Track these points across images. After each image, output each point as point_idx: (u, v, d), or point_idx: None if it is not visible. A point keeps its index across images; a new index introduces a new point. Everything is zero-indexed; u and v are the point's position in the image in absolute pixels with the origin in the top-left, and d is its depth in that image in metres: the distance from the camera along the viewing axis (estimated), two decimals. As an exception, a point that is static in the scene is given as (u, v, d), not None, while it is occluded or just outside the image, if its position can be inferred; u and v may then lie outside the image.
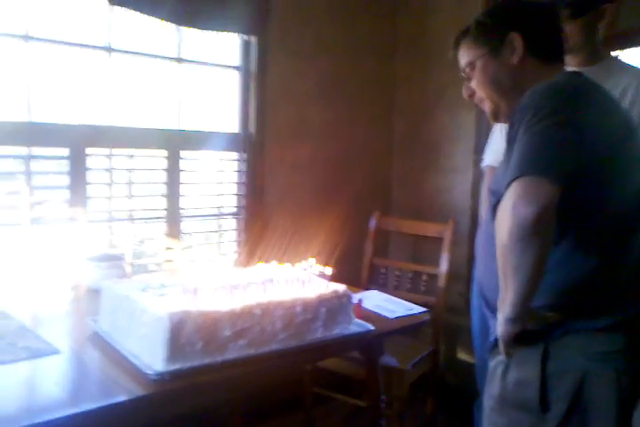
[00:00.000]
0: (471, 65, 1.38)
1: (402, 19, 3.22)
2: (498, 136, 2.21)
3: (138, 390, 1.27)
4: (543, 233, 1.08)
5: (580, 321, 1.19)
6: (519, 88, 1.31)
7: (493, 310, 1.28)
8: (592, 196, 1.17)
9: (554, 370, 1.19)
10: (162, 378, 1.31)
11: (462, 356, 3.00)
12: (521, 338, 1.20)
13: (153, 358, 1.35)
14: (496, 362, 1.30)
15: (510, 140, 1.20)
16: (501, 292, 1.17)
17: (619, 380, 1.17)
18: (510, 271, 1.11)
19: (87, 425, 1.20)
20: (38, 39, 2.06)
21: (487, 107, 1.40)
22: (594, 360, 1.17)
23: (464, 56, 1.41)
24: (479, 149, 2.86)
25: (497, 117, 1.41)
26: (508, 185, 1.10)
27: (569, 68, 1.75)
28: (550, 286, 1.17)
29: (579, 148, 1.13)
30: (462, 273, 2.95)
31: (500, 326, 1.20)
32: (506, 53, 1.34)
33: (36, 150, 2.11)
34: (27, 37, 2.03)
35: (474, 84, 1.40)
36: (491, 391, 1.30)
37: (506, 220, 1.09)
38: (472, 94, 1.43)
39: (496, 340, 1.24)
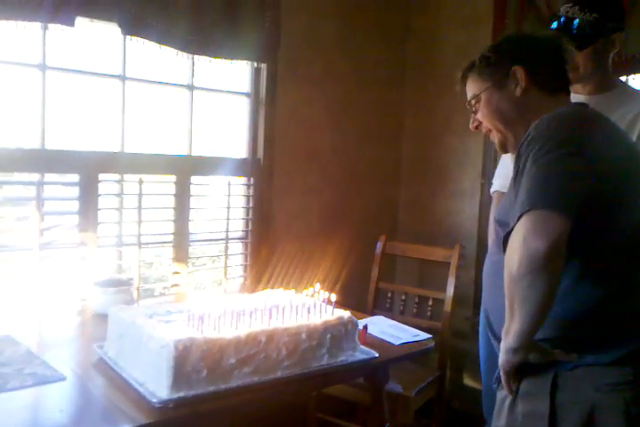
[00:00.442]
0: (476, 98, 1.42)
1: (410, 45, 3.27)
2: (507, 161, 2.18)
3: (141, 418, 1.28)
4: (553, 267, 1.09)
5: (587, 356, 1.18)
6: (525, 119, 1.35)
7: (498, 340, 1.28)
8: (599, 224, 1.18)
9: (563, 401, 1.18)
10: (165, 406, 1.31)
11: (468, 381, 2.98)
12: (526, 370, 1.20)
13: (157, 386, 1.36)
14: (504, 394, 1.29)
15: (518, 172, 1.22)
16: (507, 322, 1.18)
17: (628, 410, 1.16)
18: (518, 302, 1.12)
19: (90, 453, 1.21)
20: (53, 68, 2.11)
21: (495, 137, 1.44)
22: (603, 391, 1.17)
23: (470, 89, 1.45)
24: (487, 174, 2.89)
25: (505, 148, 1.44)
26: (519, 218, 1.11)
27: (580, 97, 1.79)
28: (556, 317, 1.17)
29: (587, 179, 1.14)
30: (468, 297, 2.95)
31: (501, 354, 1.21)
32: (510, 86, 1.37)
33: (48, 176, 2.14)
34: (42, 66, 2.08)
35: (480, 116, 1.43)
36: (498, 423, 1.30)
37: (516, 252, 1.10)
38: (478, 126, 1.46)
39: None
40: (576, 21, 1.76)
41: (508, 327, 1.17)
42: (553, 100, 1.36)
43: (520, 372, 1.22)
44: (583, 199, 1.12)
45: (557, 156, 1.15)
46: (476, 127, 1.47)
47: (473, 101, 1.44)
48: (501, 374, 1.23)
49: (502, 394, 1.30)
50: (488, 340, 2.03)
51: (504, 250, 1.17)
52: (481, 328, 2.17)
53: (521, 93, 1.36)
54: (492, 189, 2.30)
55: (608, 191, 1.18)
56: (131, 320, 1.53)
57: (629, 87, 1.97)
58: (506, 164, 2.22)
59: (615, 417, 1.16)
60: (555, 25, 1.80)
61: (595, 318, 1.20)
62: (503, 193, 2.18)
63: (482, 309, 2.15)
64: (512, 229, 1.14)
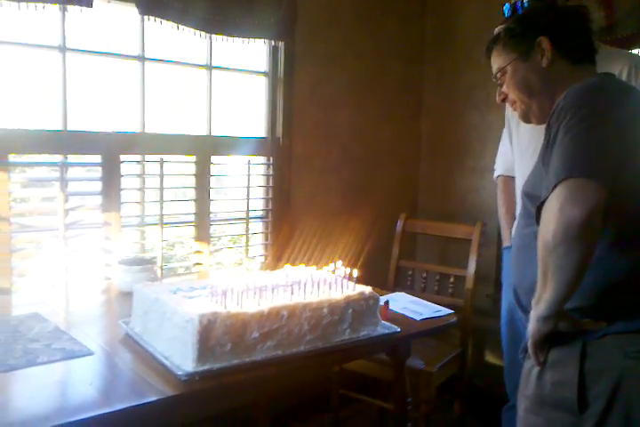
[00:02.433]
0: (502, 70, 1.42)
1: (429, 20, 3.23)
2: (507, 145, 2.18)
3: (168, 391, 1.30)
4: (589, 236, 1.09)
5: (616, 324, 1.19)
6: (550, 90, 1.35)
7: (526, 311, 1.29)
8: (631, 193, 1.19)
9: (591, 369, 1.19)
10: (191, 378, 1.34)
11: (490, 358, 2.99)
12: (554, 339, 1.21)
13: (183, 359, 1.39)
14: (530, 364, 1.30)
15: (548, 142, 1.21)
16: (538, 290, 1.18)
17: None
18: (551, 271, 1.13)
19: (119, 424, 1.24)
20: (73, 50, 2.13)
21: (518, 109, 1.44)
22: (632, 358, 1.17)
23: (495, 62, 1.44)
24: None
25: (527, 118, 1.44)
26: (554, 187, 1.11)
27: None
28: (586, 286, 1.17)
29: (619, 147, 1.14)
30: (490, 275, 2.94)
31: (531, 323, 1.21)
32: (535, 57, 1.36)
33: (71, 158, 2.17)
34: (62, 48, 2.10)
35: (505, 88, 1.43)
36: (526, 392, 1.31)
37: (551, 221, 1.10)
38: (504, 98, 1.46)
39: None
40: None
41: (539, 296, 1.18)
42: (579, 70, 1.35)
43: (548, 342, 1.23)
44: (616, 167, 1.13)
45: (590, 125, 1.15)
46: (503, 100, 1.46)
47: (499, 74, 1.43)
48: (530, 343, 1.23)
49: (529, 364, 1.30)
50: (511, 318, 2.04)
51: (537, 220, 1.17)
52: (503, 303, 2.17)
53: (547, 64, 1.35)
54: (495, 174, 2.28)
55: (639, 159, 1.19)
56: (155, 296, 1.55)
57: (607, 48, 1.88)
58: (506, 148, 2.19)
59: None
60: None
61: (625, 286, 1.20)
62: (507, 177, 2.18)
63: (504, 284, 2.16)
64: (545, 199, 1.14)
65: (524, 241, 1.35)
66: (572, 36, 1.37)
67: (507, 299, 2.10)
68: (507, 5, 1.45)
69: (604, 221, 1.12)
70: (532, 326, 1.21)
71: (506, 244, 2.14)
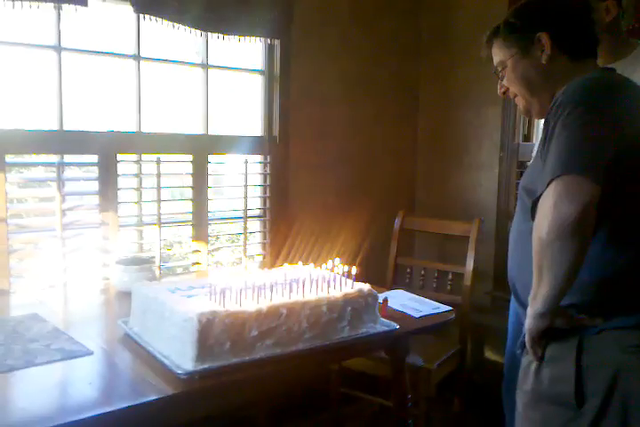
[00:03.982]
0: (502, 64, 1.42)
1: (425, 16, 3.22)
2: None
3: (168, 389, 1.30)
4: (583, 232, 1.09)
5: (613, 320, 1.19)
6: (550, 86, 1.35)
7: (525, 307, 1.29)
8: (627, 190, 1.19)
9: (589, 364, 1.19)
10: (191, 377, 1.34)
11: (489, 355, 3.00)
12: (551, 334, 1.21)
13: (182, 358, 1.38)
14: (528, 360, 1.30)
15: (546, 137, 1.21)
16: (534, 286, 1.19)
17: None
18: (546, 267, 1.13)
19: (119, 423, 1.24)
20: (69, 49, 2.12)
21: (520, 103, 1.44)
22: (629, 353, 1.18)
23: (496, 55, 1.44)
24: (505, 146, 2.86)
25: (529, 114, 1.45)
26: (549, 183, 1.12)
27: None
28: (582, 282, 1.17)
29: (615, 144, 1.14)
30: (488, 272, 2.95)
31: (528, 319, 1.22)
32: (535, 53, 1.36)
33: (67, 158, 2.16)
34: (58, 48, 2.09)
35: (506, 82, 1.43)
36: (524, 387, 1.31)
37: (546, 217, 1.11)
38: (505, 91, 1.46)
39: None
40: None
41: (535, 292, 1.18)
42: (579, 66, 1.35)
43: (545, 337, 1.23)
44: (612, 164, 1.13)
45: (586, 121, 1.15)
46: (504, 93, 1.47)
47: (499, 68, 1.43)
48: (527, 339, 1.24)
49: (527, 359, 1.31)
50: (516, 310, 2.05)
51: (532, 215, 1.17)
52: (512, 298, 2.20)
53: (546, 61, 1.35)
54: None
55: (635, 157, 1.19)
56: (154, 296, 1.55)
57: None
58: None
59: None
60: None
61: (621, 282, 1.21)
62: None
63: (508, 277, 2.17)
64: (541, 195, 1.14)
65: (521, 235, 1.36)
66: (573, 31, 1.36)
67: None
68: None
69: (600, 217, 1.12)
70: (528, 322, 1.22)
71: None
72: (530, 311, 1.21)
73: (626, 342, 1.18)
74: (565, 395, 1.20)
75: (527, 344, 1.25)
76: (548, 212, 1.10)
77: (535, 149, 2.26)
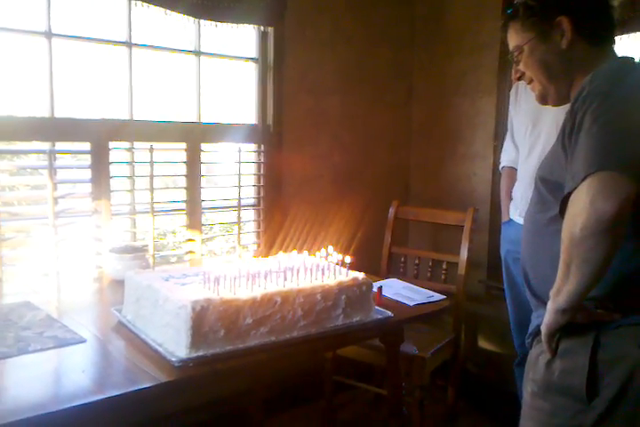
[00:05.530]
0: (519, 49, 1.36)
1: (419, 5, 3.20)
2: (509, 139, 2.45)
3: (162, 377, 1.30)
4: (617, 230, 1.07)
5: (631, 315, 1.17)
6: (569, 72, 1.31)
7: (538, 298, 1.28)
8: None
9: (605, 358, 1.18)
10: (185, 365, 1.34)
11: (483, 344, 3.00)
12: (568, 329, 1.20)
13: (176, 346, 1.38)
14: (538, 351, 1.28)
15: (573, 129, 1.17)
16: (558, 281, 1.16)
17: None
18: (576, 264, 1.11)
19: (113, 411, 1.24)
20: (60, 35, 2.09)
21: (536, 89, 1.39)
22: None
23: (512, 39, 1.39)
24: (499, 135, 2.85)
25: (545, 100, 1.40)
26: (584, 178, 1.08)
27: None
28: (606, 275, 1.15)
29: None
30: (482, 261, 2.95)
31: (548, 314, 1.19)
32: (554, 37, 1.31)
33: (59, 145, 2.15)
34: (48, 34, 2.06)
35: (522, 66, 1.38)
36: (533, 376, 1.29)
37: (580, 214, 1.08)
38: (521, 76, 1.41)
39: (538, 327, 1.24)
40: None
41: (559, 288, 1.16)
42: (599, 52, 1.31)
43: (559, 331, 1.21)
44: None
45: (618, 113, 1.12)
46: (519, 78, 1.41)
47: (516, 53, 1.38)
48: (544, 333, 1.22)
49: (537, 350, 1.29)
50: (507, 269, 2.32)
51: (561, 212, 1.15)
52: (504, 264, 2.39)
53: (566, 46, 1.30)
54: (500, 166, 2.53)
55: None
56: (147, 283, 1.55)
57: None
58: (508, 144, 2.46)
59: None
60: None
61: (638, 279, 1.19)
62: (510, 167, 2.46)
63: (502, 250, 2.40)
64: (570, 192, 1.11)
65: (536, 226, 1.33)
66: (594, 16, 1.31)
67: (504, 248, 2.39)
68: None
69: None
70: (548, 318, 1.19)
71: (505, 219, 2.43)
72: (551, 307, 1.18)
73: None
74: (576, 387, 1.19)
75: (544, 338, 1.22)
76: (583, 209, 1.07)
77: (509, 125, 2.44)
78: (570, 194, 1.12)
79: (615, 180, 1.06)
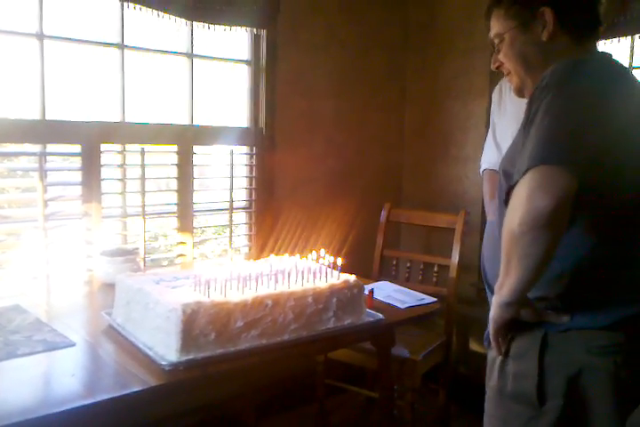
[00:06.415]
0: (500, 37, 1.33)
1: (412, 8, 3.20)
2: (491, 140, 2.30)
3: (152, 381, 1.30)
4: (556, 225, 1.05)
5: (580, 319, 1.16)
6: (547, 65, 1.24)
7: (492, 292, 1.26)
8: (604, 184, 1.13)
9: (551, 362, 1.17)
10: (175, 368, 1.33)
11: (474, 347, 3.01)
12: (516, 327, 1.19)
13: (166, 349, 1.38)
14: (495, 353, 1.27)
15: (528, 119, 1.15)
16: (501, 275, 1.15)
17: (617, 373, 1.15)
18: (516, 258, 1.09)
19: (103, 415, 1.23)
20: (51, 37, 2.09)
21: (513, 81, 1.36)
22: (593, 354, 1.15)
23: (494, 27, 1.35)
24: (491, 138, 2.86)
25: (522, 93, 1.36)
26: (524, 173, 1.06)
27: None
28: (552, 275, 1.15)
29: (600, 133, 1.08)
30: (474, 264, 2.95)
31: (492, 308, 1.19)
32: (536, 28, 1.28)
33: (50, 148, 2.13)
34: (40, 36, 2.05)
35: (502, 56, 1.35)
36: (489, 382, 1.29)
37: (518, 209, 1.06)
38: (499, 66, 1.38)
39: None
40: None
41: (502, 282, 1.15)
42: (580, 48, 1.28)
43: (510, 331, 1.21)
44: (593, 156, 1.07)
45: (571, 107, 1.09)
46: (497, 67, 1.38)
47: (496, 40, 1.34)
48: (491, 329, 1.21)
49: (493, 354, 1.28)
50: None
51: (506, 203, 1.12)
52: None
53: (547, 38, 1.27)
54: (481, 168, 2.35)
55: (620, 146, 1.12)
56: (138, 286, 1.54)
57: None
58: (490, 142, 2.31)
59: (603, 380, 1.15)
60: None
61: (592, 279, 1.17)
62: (492, 170, 2.27)
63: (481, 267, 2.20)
64: (515, 183, 1.09)
65: (499, 220, 1.29)
66: (579, 9, 1.28)
67: None
68: None
69: (577, 210, 1.07)
70: (493, 312, 1.18)
71: (490, 218, 2.27)
72: (495, 301, 1.17)
73: (591, 342, 1.15)
74: (527, 392, 1.18)
75: (490, 335, 1.22)
76: (522, 203, 1.05)
77: (491, 126, 2.32)
78: (514, 186, 1.09)
79: (555, 174, 1.03)
